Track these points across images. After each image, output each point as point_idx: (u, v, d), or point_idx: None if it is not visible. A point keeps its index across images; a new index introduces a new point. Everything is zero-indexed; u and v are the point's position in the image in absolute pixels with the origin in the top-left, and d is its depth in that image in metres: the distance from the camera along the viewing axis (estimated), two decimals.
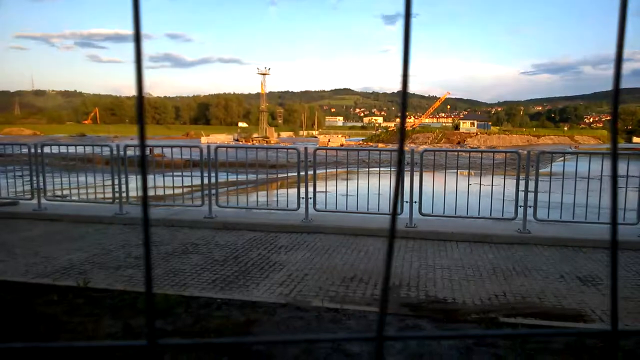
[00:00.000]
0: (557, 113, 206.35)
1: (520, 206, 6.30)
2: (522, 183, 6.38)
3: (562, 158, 7.86)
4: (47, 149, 8.13)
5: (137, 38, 0.56)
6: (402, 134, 0.59)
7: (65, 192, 8.15)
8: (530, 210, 6.31)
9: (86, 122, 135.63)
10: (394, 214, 0.62)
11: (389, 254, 0.61)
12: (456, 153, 7.99)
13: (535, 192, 6.29)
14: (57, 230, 6.79)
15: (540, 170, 6.38)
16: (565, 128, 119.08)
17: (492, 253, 5.70)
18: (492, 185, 6.69)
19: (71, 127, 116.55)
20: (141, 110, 0.60)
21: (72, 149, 8.44)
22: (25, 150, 8.07)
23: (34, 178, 7.92)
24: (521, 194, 6.34)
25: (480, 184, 6.48)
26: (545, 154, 7.00)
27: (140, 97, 0.60)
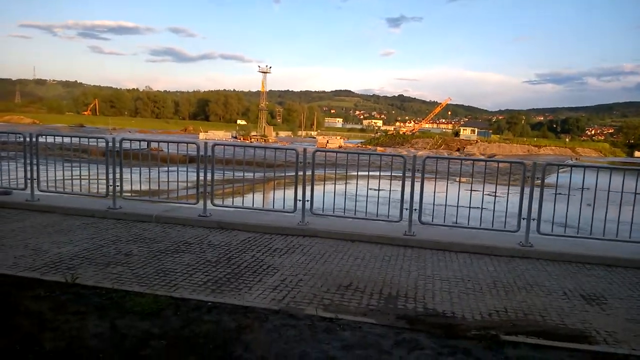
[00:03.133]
0: (559, 124, 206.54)
1: (524, 218, 6.16)
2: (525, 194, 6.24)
3: (567, 170, 7.73)
4: (42, 139, 7.97)
5: None
6: None
7: (59, 183, 7.99)
8: (533, 223, 6.16)
9: (86, 113, 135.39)
10: None
11: None
12: (459, 161, 7.83)
13: (540, 204, 6.14)
14: (49, 223, 6.64)
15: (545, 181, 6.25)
16: (567, 139, 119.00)
17: (493, 266, 5.57)
18: (495, 195, 6.54)
19: (71, 117, 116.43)
20: None
21: (67, 140, 8.29)
22: (20, 139, 7.91)
23: (28, 168, 7.76)
24: (524, 206, 6.20)
25: (482, 194, 6.34)
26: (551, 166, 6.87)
27: None
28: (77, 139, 8.03)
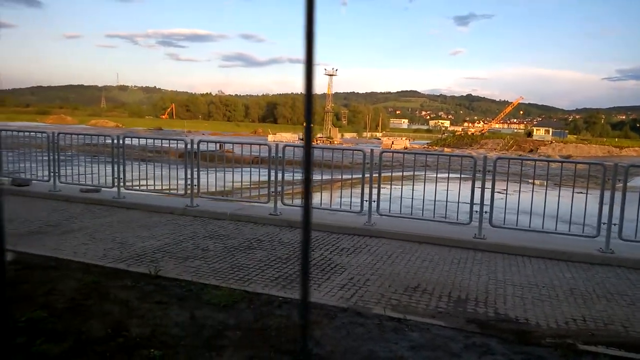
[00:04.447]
0: None
1: (604, 223, 5.78)
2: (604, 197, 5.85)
3: None
4: (127, 141, 8.66)
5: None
6: None
7: (142, 182, 8.64)
8: (614, 229, 5.76)
9: (163, 117, 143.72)
10: None
11: None
12: (532, 162, 7.48)
13: (622, 209, 5.73)
14: (134, 219, 7.20)
15: (628, 184, 5.82)
16: None
17: (570, 272, 5.28)
18: (572, 198, 6.19)
19: (150, 121, 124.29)
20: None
21: (150, 142, 8.94)
22: (108, 141, 8.64)
23: (115, 168, 8.46)
24: (605, 210, 5.81)
25: (558, 197, 6.02)
26: (635, 168, 6.37)
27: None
28: (159, 141, 8.63)
